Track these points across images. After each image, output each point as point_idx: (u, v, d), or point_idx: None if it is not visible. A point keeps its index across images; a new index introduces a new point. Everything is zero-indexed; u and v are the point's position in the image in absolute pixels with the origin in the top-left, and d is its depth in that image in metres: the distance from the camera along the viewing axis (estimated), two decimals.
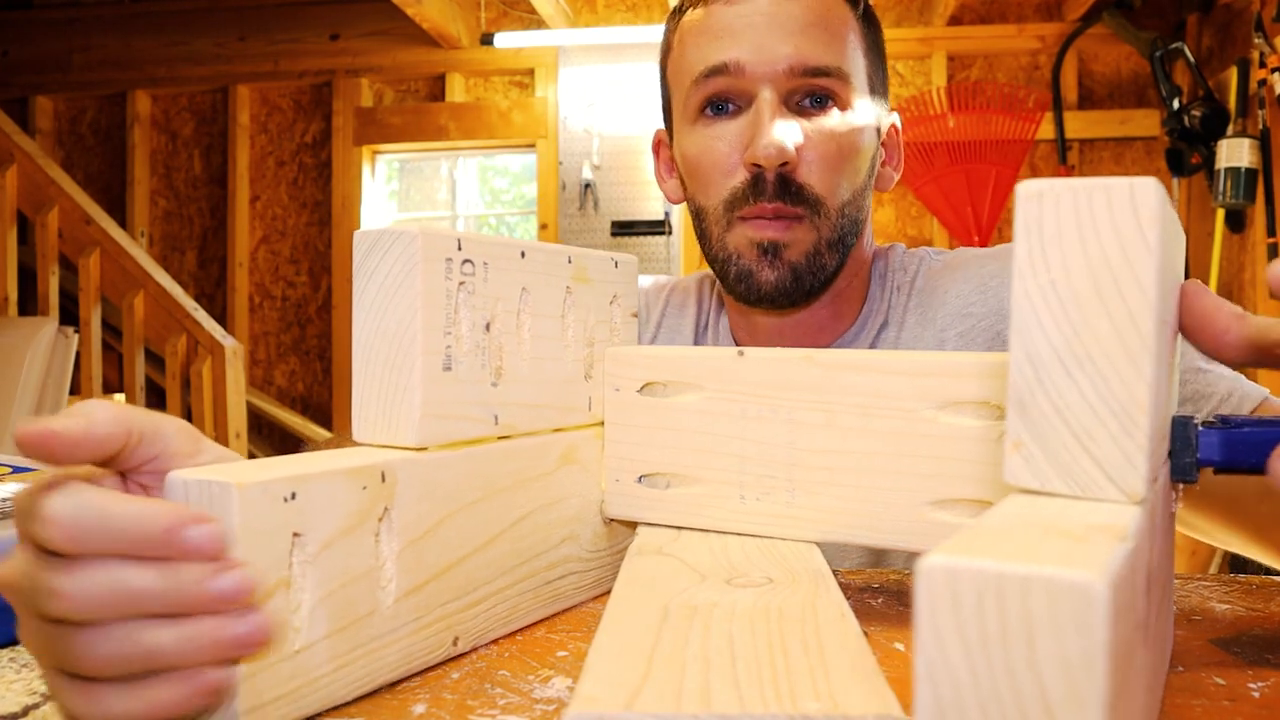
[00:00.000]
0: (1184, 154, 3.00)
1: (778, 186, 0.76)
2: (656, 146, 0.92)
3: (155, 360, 3.31)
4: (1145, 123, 3.34)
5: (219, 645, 0.33)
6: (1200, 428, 0.38)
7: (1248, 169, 2.79)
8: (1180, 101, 3.00)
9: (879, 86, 0.84)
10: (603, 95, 3.62)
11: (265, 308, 3.88)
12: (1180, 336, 0.39)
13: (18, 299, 3.16)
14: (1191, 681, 0.41)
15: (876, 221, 3.57)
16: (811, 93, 0.78)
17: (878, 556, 0.80)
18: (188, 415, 3.11)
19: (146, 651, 0.33)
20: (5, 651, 0.47)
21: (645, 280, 0.98)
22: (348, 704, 0.39)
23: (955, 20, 3.49)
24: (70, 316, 3.15)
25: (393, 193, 3.97)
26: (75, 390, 3.08)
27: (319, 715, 0.38)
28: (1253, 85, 2.82)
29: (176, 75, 3.85)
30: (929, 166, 3.32)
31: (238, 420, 3.05)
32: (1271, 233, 2.77)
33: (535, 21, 3.58)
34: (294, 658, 0.37)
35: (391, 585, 0.41)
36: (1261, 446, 0.37)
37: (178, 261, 3.91)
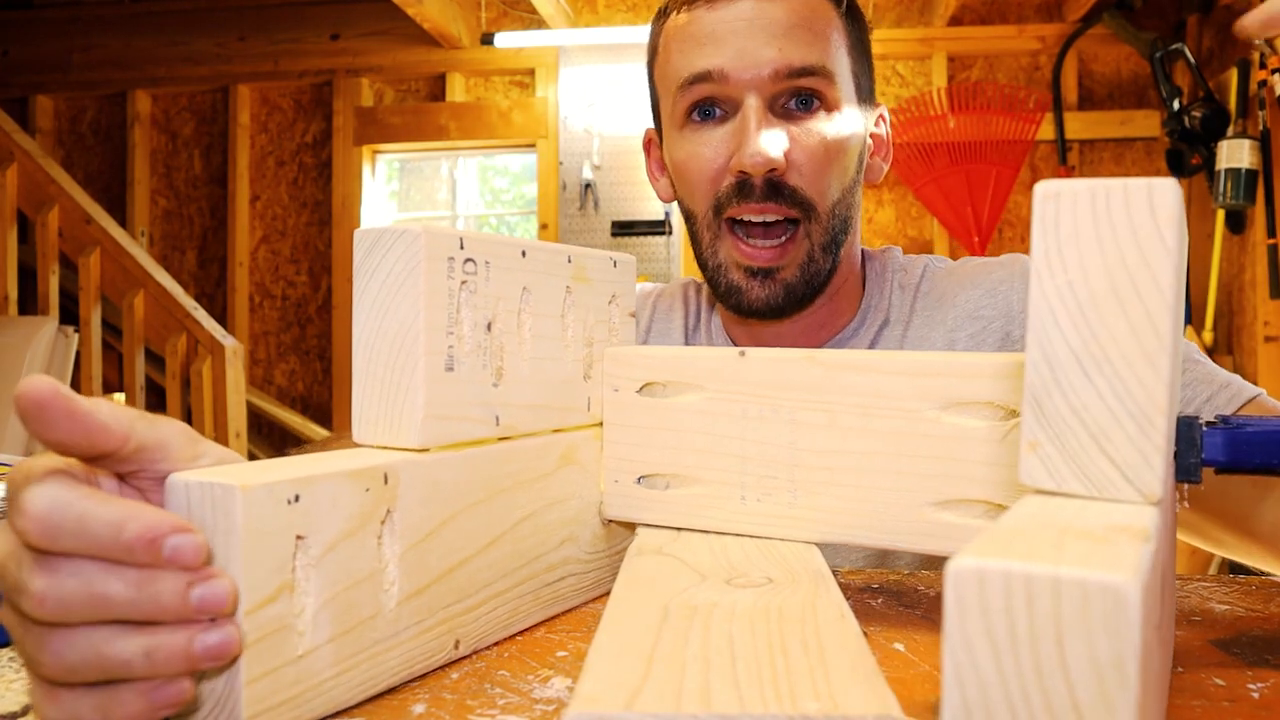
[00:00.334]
0: (1184, 155, 3.00)
1: (766, 190, 0.76)
2: (647, 145, 0.92)
3: (155, 360, 3.31)
4: (1146, 123, 3.34)
5: (189, 658, 0.33)
6: (1204, 428, 0.38)
7: (1248, 170, 2.79)
8: (1180, 102, 3.00)
9: (865, 81, 0.84)
10: (603, 95, 3.62)
11: (265, 307, 3.88)
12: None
13: (18, 298, 3.16)
14: (1191, 682, 0.41)
15: (877, 221, 3.57)
16: (797, 94, 0.78)
17: (881, 557, 0.80)
18: (188, 415, 3.11)
19: (111, 662, 0.32)
20: (5, 651, 0.47)
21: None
22: (350, 708, 0.39)
23: (955, 21, 3.49)
24: (70, 316, 3.15)
25: (393, 193, 3.97)
26: (75, 390, 3.07)
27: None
28: (1253, 86, 2.81)
29: (176, 75, 3.85)
30: (929, 167, 3.32)
31: (238, 420, 3.05)
32: (1271, 233, 2.77)
33: (535, 21, 3.58)
34: (298, 662, 0.36)
35: (394, 588, 0.41)
36: (1266, 446, 0.37)
37: (178, 261, 3.91)
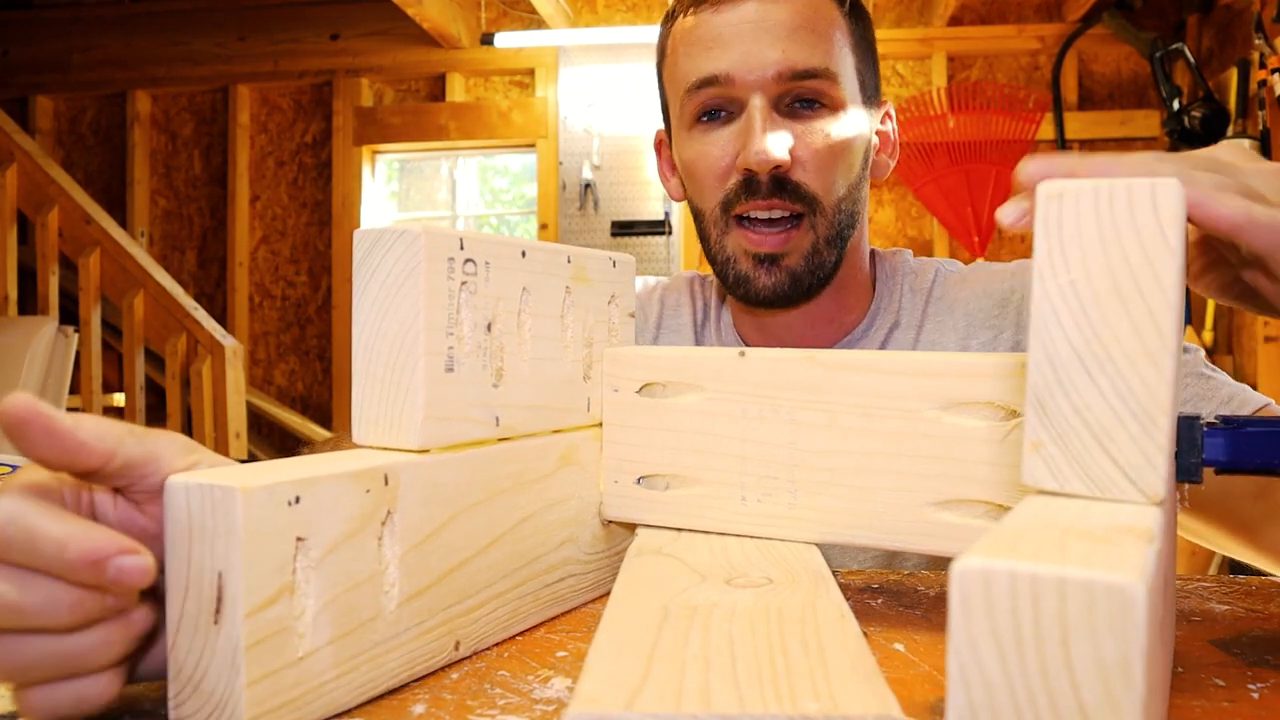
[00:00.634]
0: None
1: (772, 186, 0.78)
2: (658, 146, 0.94)
3: (155, 360, 3.30)
4: (1145, 123, 3.34)
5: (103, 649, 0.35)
6: (1205, 428, 0.38)
7: None
8: (1180, 102, 3.00)
9: (869, 80, 0.85)
10: (603, 95, 3.62)
11: (265, 307, 3.88)
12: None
13: (18, 299, 3.16)
14: (1191, 682, 0.41)
15: (877, 221, 3.57)
16: (800, 95, 0.79)
17: (888, 558, 0.80)
18: (188, 415, 3.11)
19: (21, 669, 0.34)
20: None
21: (635, 283, 0.98)
22: (350, 710, 0.39)
23: (955, 20, 3.49)
24: (70, 316, 3.15)
25: (393, 193, 3.97)
26: (75, 390, 3.08)
27: None
28: (1253, 86, 2.81)
29: (176, 75, 3.85)
30: (929, 167, 3.32)
31: (237, 420, 3.05)
32: None
33: (535, 21, 3.58)
34: (298, 664, 0.36)
35: (394, 590, 0.41)
36: (1266, 446, 0.37)
37: (178, 261, 3.91)
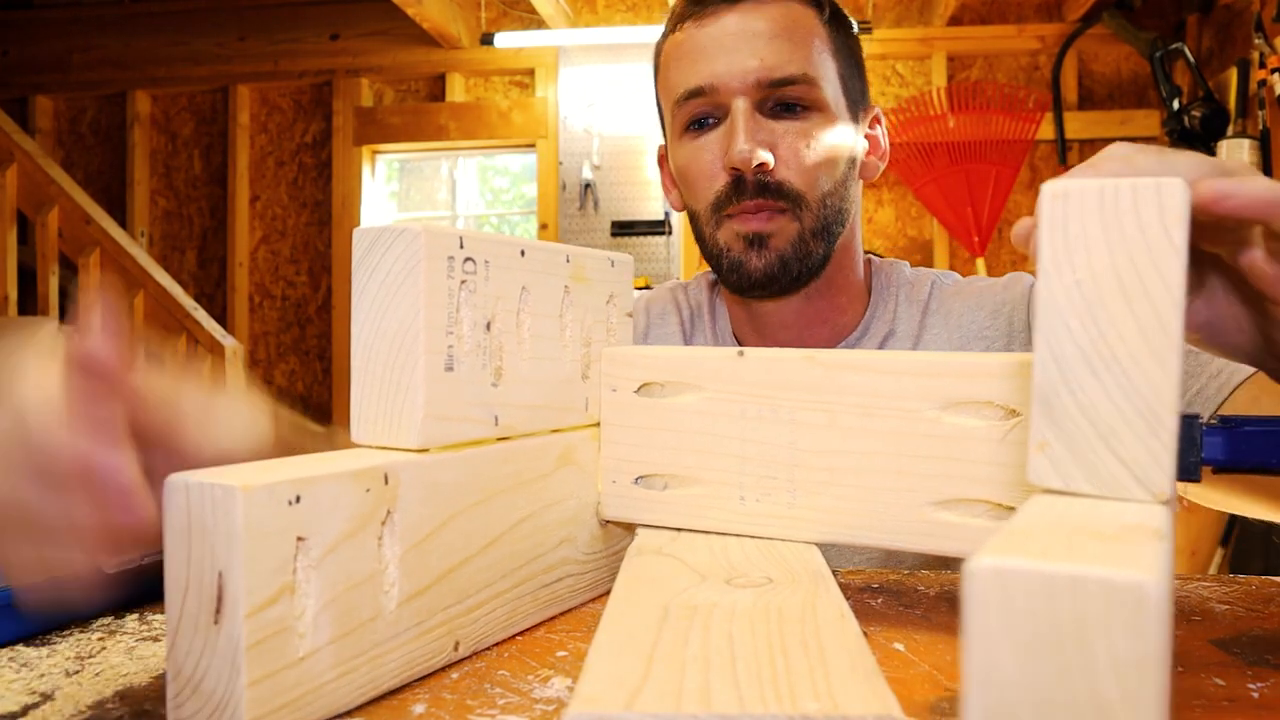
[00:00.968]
0: None
1: (757, 186, 0.82)
2: (661, 161, 0.98)
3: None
4: (1145, 123, 3.34)
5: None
6: (1204, 427, 0.38)
7: None
8: (1180, 102, 3.00)
9: (854, 85, 0.89)
10: (603, 95, 3.62)
11: (265, 308, 3.88)
12: None
13: (18, 299, 3.16)
14: (1191, 682, 0.41)
15: (877, 221, 3.57)
16: (781, 100, 0.84)
17: (887, 557, 0.80)
18: None
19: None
20: (5, 651, 0.47)
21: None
22: (351, 711, 0.39)
23: (955, 20, 3.49)
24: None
25: (393, 193, 3.97)
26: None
27: None
28: (1253, 86, 2.82)
29: (176, 75, 3.85)
30: (929, 167, 3.32)
31: None
32: None
33: (535, 21, 3.58)
34: (299, 664, 0.36)
35: (394, 590, 0.40)
36: (1265, 446, 0.37)
37: (178, 261, 3.91)
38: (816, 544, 0.51)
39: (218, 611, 0.34)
